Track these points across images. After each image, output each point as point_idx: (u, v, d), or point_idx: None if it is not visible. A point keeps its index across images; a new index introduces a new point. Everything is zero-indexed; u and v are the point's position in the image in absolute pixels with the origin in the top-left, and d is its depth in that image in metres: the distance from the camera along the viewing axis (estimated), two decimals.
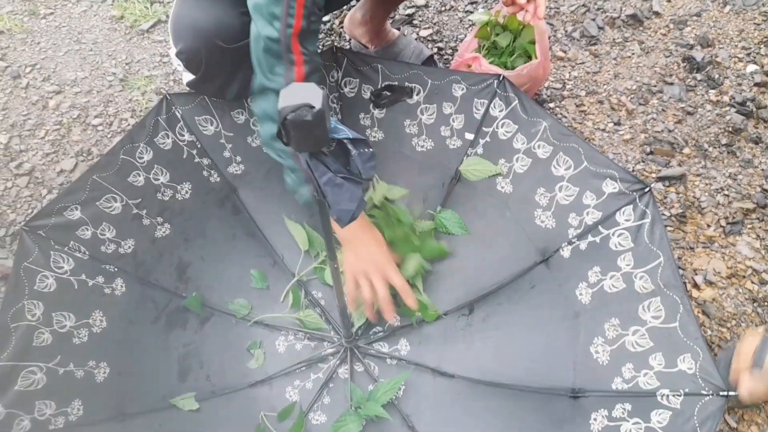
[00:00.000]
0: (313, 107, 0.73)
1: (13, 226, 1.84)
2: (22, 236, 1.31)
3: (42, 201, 1.89)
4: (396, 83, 1.53)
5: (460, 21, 2.28)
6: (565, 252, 1.37)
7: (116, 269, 1.41)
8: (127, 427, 1.31)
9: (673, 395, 1.16)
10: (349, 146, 0.85)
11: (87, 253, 1.38)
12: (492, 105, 1.45)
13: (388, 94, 1.53)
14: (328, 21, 2.29)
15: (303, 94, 0.74)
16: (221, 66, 1.39)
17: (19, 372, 1.22)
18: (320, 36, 2.24)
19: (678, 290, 1.21)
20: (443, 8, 2.32)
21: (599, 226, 1.33)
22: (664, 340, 1.21)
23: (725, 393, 1.12)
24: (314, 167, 0.85)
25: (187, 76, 1.49)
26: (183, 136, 1.51)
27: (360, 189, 0.89)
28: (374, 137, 1.59)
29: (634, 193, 1.29)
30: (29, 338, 1.26)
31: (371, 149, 0.87)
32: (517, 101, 1.41)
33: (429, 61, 2.07)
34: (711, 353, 1.19)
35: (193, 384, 1.39)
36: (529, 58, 1.74)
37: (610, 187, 1.32)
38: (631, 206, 1.29)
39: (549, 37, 2.19)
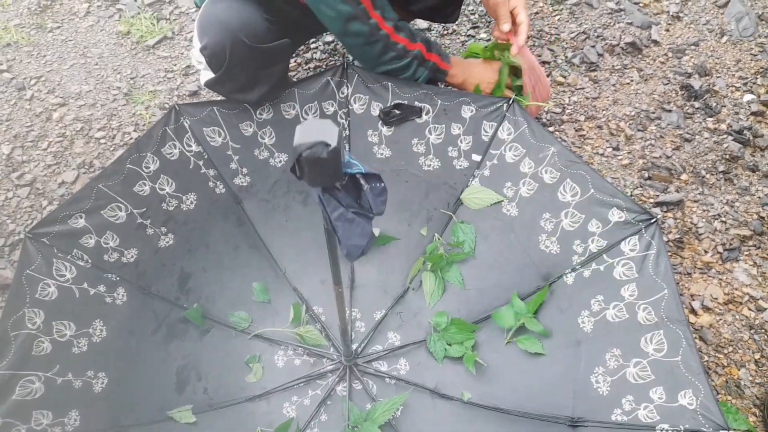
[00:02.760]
0: (329, 145, 0.68)
1: (13, 236, 1.73)
2: (26, 243, 1.21)
3: (42, 212, 1.78)
4: (405, 102, 1.42)
5: (462, 45, 2.17)
6: (569, 279, 1.26)
7: (118, 278, 1.31)
8: None
9: (673, 430, 1.05)
10: (362, 181, 0.76)
11: (90, 261, 1.28)
12: (501, 128, 1.34)
13: (398, 112, 1.43)
14: (332, 41, 2.17)
15: (319, 131, 0.69)
16: (244, 63, 1.33)
17: (17, 381, 1.13)
18: (324, 56, 2.13)
19: (681, 324, 1.12)
20: (446, 32, 2.21)
21: (604, 255, 1.22)
22: (665, 374, 1.11)
23: (725, 431, 1.01)
24: (326, 202, 0.77)
25: (206, 76, 1.41)
26: (190, 146, 1.40)
27: (370, 224, 0.80)
28: (381, 154, 1.48)
29: (641, 224, 1.19)
30: (29, 347, 1.16)
31: (383, 184, 0.78)
32: (526, 125, 1.31)
33: (431, 83, 1.95)
34: (712, 390, 1.08)
35: (191, 396, 1.28)
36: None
37: (616, 215, 1.21)
38: (637, 236, 1.19)
39: (549, 63, 2.08)
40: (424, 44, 1.43)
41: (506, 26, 1.44)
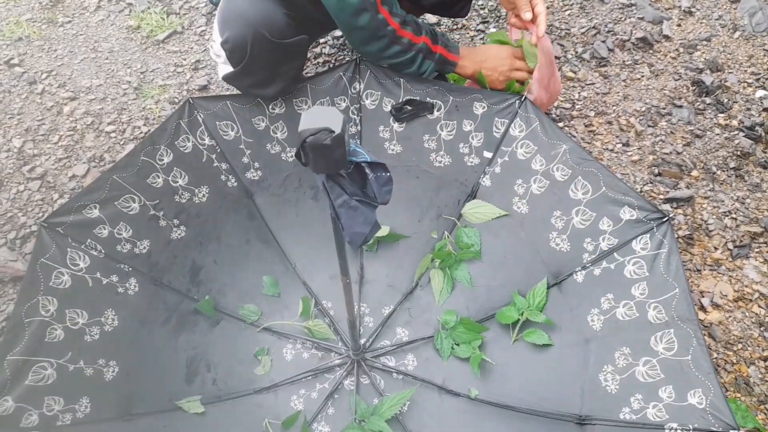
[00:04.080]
0: (333, 131, 0.66)
1: (24, 229, 1.70)
2: (41, 232, 1.19)
3: (53, 205, 1.75)
4: (417, 98, 1.37)
5: (471, 39, 2.11)
6: (579, 276, 1.22)
7: (130, 269, 1.28)
8: (133, 426, 1.18)
9: (682, 430, 1.02)
10: (367, 170, 0.72)
11: (103, 251, 1.25)
12: (512, 125, 1.29)
13: (409, 108, 1.38)
14: (341, 36, 2.12)
15: (324, 118, 0.67)
16: (264, 58, 1.30)
17: (30, 367, 1.11)
18: (333, 51, 2.08)
19: (692, 323, 1.08)
20: (455, 26, 2.15)
21: (614, 253, 1.17)
22: (675, 373, 1.07)
23: (735, 430, 0.97)
24: (330, 189, 0.74)
25: (224, 70, 1.38)
26: (203, 140, 1.37)
27: (374, 212, 0.77)
28: (393, 150, 1.43)
29: (652, 222, 1.14)
30: (42, 334, 1.14)
31: (388, 173, 0.75)
32: (537, 122, 1.26)
33: (440, 78, 1.90)
34: (722, 389, 1.03)
35: (200, 387, 1.26)
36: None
37: (627, 214, 1.16)
38: (648, 235, 1.14)
39: (559, 58, 2.02)
40: (429, 37, 1.38)
41: (528, 14, 1.38)
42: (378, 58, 1.37)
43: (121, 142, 1.90)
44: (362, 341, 1.29)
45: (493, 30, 2.08)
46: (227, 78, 1.36)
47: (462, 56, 1.44)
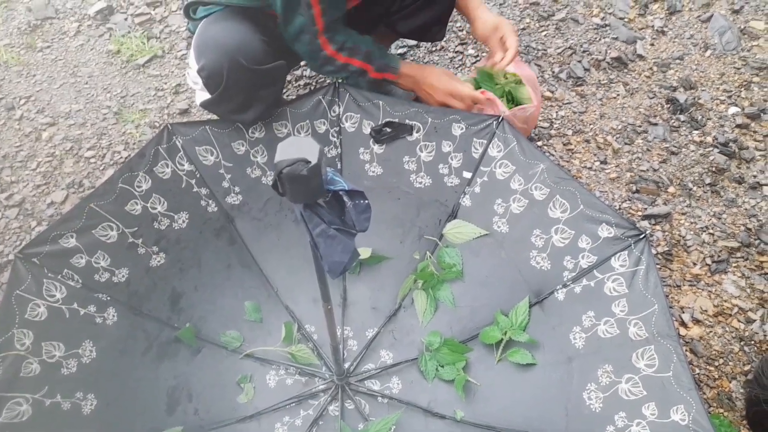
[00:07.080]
0: (309, 162, 0.67)
1: (1, 258, 1.69)
2: (16, 264, 1.18)
3: (31, 233, 1.74)
4: (396, 120, 1.40)
5: (450, 60, 2.16)
6: (560, 295, 1.24)
7: (109, 298, 1.28)
8: None
9: None
10: (345, 198, 0.74)
11: (80, 281, 1.24)
12: (491, 145, 1.33)
13: (389, 130, 1.41)
14: None
15: (300, 148, 0.68)
16: (241, 84, 1.31)
17: (4, 403, 1.09)
18: (314, 73, 2.12)
19: (672, 339, 1.10)
20: (434, 48, 2.20)
21: (594, 270, 1.20)
22: (657, 390, 1.09)
23: None
24: (308, 219, 0.75)
25: (201, 97, 1.39)
26: (183, 165, 1.38)
27: (353, 240, 0.78)
28: (373, 172, 1.46)
29: (630, 239, 1.17)
30: (17, 368, 1.12)
31: (366, 201, 0.76)
32: (515, 142, 1.29)
33: (418, 99, 1.94)
34: (704, 404, 1.06)
35: (181, 417, 1.25)
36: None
37: (605, 231, 1.20)
38: (627, 252, 1.17)
39: (536, 78, 2.08)
40: (365, 61, 1.44)
41: (498, 57, 1.50)
42: (317, 71, 1.46)
43: (101, 168, 1.90)
44: (346, 365, 1.30)
45: (471, 52, 2.13)
46: (205, 105, 1.38)
47: (402, 74, 1.52)
